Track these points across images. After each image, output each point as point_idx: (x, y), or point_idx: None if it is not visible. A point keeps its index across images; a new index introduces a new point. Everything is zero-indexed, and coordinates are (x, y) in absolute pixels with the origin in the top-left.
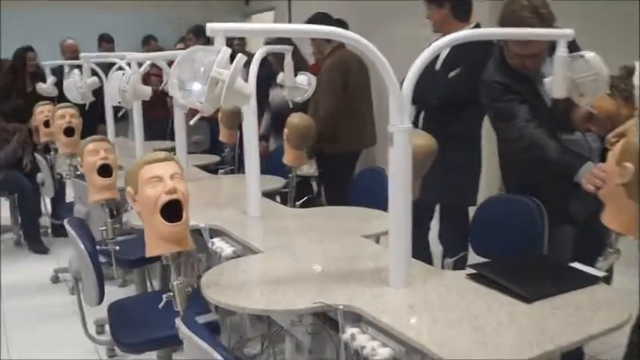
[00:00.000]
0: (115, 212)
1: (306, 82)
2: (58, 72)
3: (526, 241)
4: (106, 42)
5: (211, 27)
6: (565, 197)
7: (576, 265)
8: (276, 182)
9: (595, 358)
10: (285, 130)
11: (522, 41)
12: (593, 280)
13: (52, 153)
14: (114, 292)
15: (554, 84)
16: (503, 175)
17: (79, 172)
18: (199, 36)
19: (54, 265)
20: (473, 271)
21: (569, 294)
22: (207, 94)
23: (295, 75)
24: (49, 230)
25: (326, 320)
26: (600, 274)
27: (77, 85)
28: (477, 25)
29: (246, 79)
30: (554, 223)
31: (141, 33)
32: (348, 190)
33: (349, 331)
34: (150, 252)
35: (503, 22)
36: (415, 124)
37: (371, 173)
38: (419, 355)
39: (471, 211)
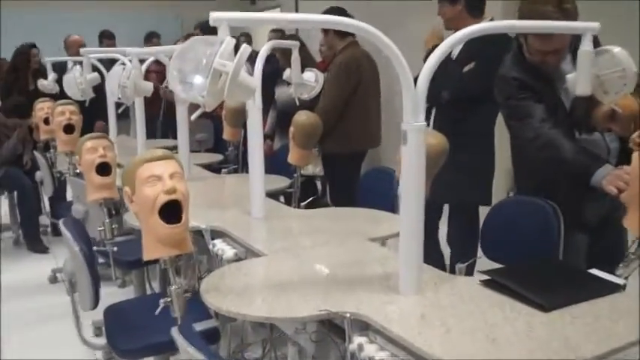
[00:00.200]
0: (114, 212)
1: (313, 78)
2: (60, 69)
3: (540, 245)
4: (107, 38)
5: (214, 16)
6: (579, 202)
7: (595, 271)
8: (281, 182)
9: None
10: (291, 129)
11: (544, 36)
12: (613, 288)
13: (51, 151)
14: (113, 294)
15: (578, 80)
16: (516, 175)
17: (78, 170)
18: (207, 33)
19: (53, 264)
20: (486, 277)
21: (588, 303)
22: (209, 87)
23: (302, 71)
24: (49, 229)
25: (331, 328)
26: (621, 281)
27: (77, 81)
28: (492, 20)
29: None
30: (568, 229)
31: (142, 32)
32: (354, 190)
33: (357, 341)
34: (147, 255)
35: (523, 17)
36: (427, 121)
37: (378, 173)
38: None
39: (482, 213)
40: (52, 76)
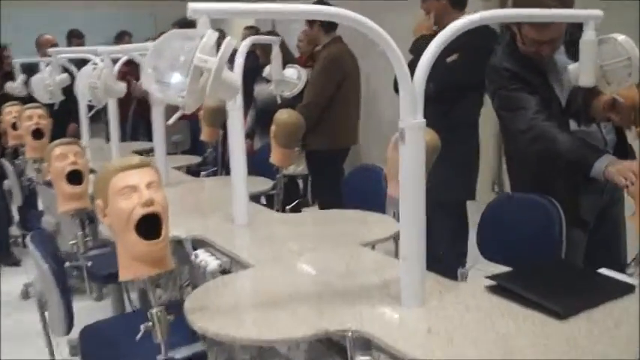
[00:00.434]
0: (89, 221)
1: (295, 75)
2: (32, 70)
3: (541, 244)
4: (76, 38)
5: (193, 7)
6: (576, 197)
7: (605, 271)
8: (263, 184)
9: None
10: (273, 127)
11: (539, 25)
12: (627, 288)
13: (20, 157)
14: (88, 308)
15: (582, 71)
16: (509, 169)
17: (48, 179)
18: None
19: (25, 279)
20: (492, 282)
21: (603, 306)
22: (189, 86)
23: (283, 68)
24: (20, 240)
25: (330, 345)
26: (634, 281)
27: (45, 82)
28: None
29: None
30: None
31: (115, 32)
32: (339, 189)
33: None
34: (124, 275)
35: (519, 6)
36: None
37: (364, 172)
38: None
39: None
40: (20, 77)
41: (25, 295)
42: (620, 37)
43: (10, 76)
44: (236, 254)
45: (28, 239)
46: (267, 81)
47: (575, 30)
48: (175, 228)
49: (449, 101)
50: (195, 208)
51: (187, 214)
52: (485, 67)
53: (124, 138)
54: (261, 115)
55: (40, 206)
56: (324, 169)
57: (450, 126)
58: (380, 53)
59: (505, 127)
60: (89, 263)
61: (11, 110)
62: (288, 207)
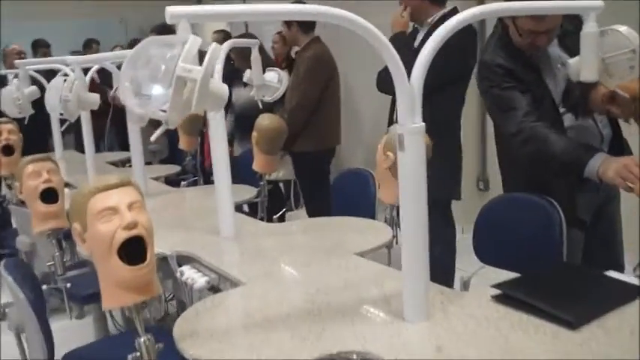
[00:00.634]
0: (64, 238)
1: (276, 79)
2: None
3: (541, 246)
4: (42, 47)
5: (172, 11)
6: (571, 196)
7: (612, 273)
8: (247, 192)
9: None
10: (254, 134)
11: (536, 16)
12: (636, 291)
13: None
14: (69, 328)
15: (583, 65)
16: (502, 169)
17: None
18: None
19: (2, 299)
20: (497, 291)
21: (615, 312)
22: (172, 99)
23: (263, 72)
24: None
25: None
26: None
27: (13, 96)
28: (455, 9)
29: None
30: None
31: (81, 40)
32: (327, 191)
33: None
34: (108, 303)
35: None
36: (392, 112)
37: (351, 176)
38: None
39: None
40: None
41: (2, 316)
42: (622, 29)
43: None
44: (225, 271)
45: (1, 267)
46: (245, 85)
47: (565, 22)
48: (158, 243)
49: (426, 98)
50: (177, 221)
51: (170, 228)
52: (462, 63)
53: (98, 149)
54: (240, 121)
55: (15, 223)
56: (312, 170)
57: (430, 123)
58: (357, 53)
59: (497, 128)
60: (68, 285)
61: None
62: (275, 216)
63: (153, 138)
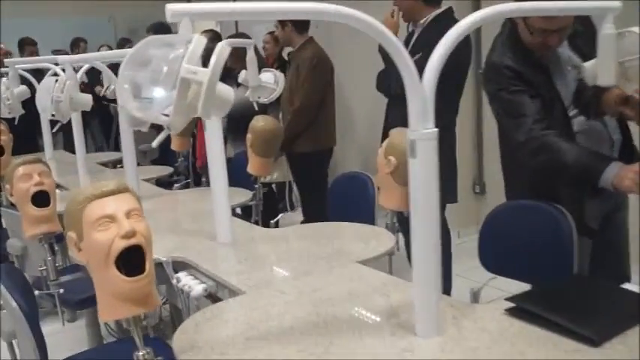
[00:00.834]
0: (56, 241)
1: (272, 80)
2: None
3: (550, 256)
4: (29, 45)
5: (173, 9)
6: (580, 202)
7: (629, 286)
8: (241, 195)
9: None
10: (249, 136)
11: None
12: None
13: None
14: (61, 332)
15: (600, 69)
16: (505, 174)
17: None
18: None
19: None
20: (511, 304)
21: (636, 328)
22: (176, 102)
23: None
24: None
25: None
26: None
27: (2, 96)
28: (450, 9)
29: None
30: None
31: (69, 39)
32: (324, 195)
33: None
34: (105, 315)
35: None
36: (388, 114)
37: (349, 180)
38: None
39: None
40: None
41: None
42: None
43: None
44: (223, 278)
45: None
46: (238, 85)
47: (575, 22)
48: (153, 248)
49: None
50: (172, 226)
51: (164, 232)
52: (452, 64)
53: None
54: (233, 122)
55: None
56: (311, 171)
57: None
58: (348, 53)
59: (503, 133)
60: (61, 290)
61: None
62: (272, 221)
63: (155, 144)
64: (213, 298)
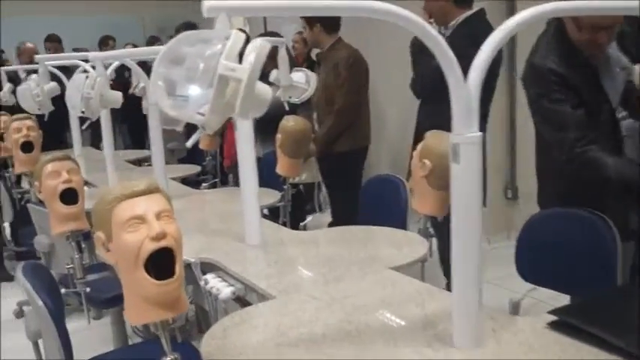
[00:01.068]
0: (83, 243)
1: (304, 79)
2: (10, 79)
3: (592, 266)
4: (55, 42)
5: (209, 5)
6: (623, 210)
7: None
8: (270, 196)
9: None
10: (279, 136)
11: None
12: None
13: (10, 170)
14: (86, 330)
15: None
16: (540, 179)
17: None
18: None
19: (19, 296)
20: (553, 317)
21: None
22: (213, 100)
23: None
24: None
25: None
26: None
27: (33, 92)
28: (482, 11)
29: None
30: None
31: (97, 37)
32: (356, 196)
33: None
34: (133, 319)
35: None
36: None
37: (380, 182)
38: None
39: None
40: (7, 86)
41: (20, 314)
42: None
43: None
44: (252, 282)
45: (19, 272)
46: (270, 85)
47: (623, 22)
48: None
49: (443, 100)
50: (200, 226)
51: (192, 233)
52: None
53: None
54: (262, 122)
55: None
56: (347, 171)
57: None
58: (379, 54)
59: (542, 141)
60: (87, 289)
61: None
62: (302, 224)
63: (189, 144)
64: (241, 301)
